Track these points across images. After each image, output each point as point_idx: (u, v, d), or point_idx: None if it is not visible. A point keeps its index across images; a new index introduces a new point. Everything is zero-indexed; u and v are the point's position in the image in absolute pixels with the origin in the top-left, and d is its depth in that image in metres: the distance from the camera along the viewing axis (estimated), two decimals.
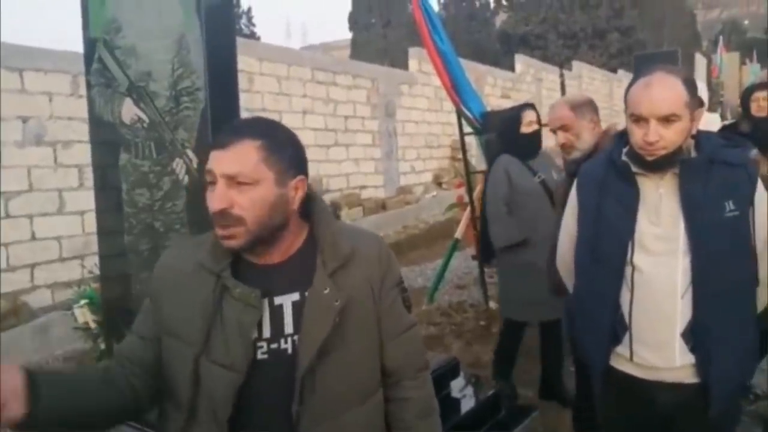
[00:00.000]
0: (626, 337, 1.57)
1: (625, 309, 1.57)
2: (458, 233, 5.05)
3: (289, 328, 1.15)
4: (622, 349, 1.59)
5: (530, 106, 3.39)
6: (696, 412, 1.55)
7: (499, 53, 21.61)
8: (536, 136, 3.29)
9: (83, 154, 5.50)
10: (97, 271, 3.64)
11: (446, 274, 5.29)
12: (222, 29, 1.84)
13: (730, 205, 1.50)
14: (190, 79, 1.81)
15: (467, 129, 4.87)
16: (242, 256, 1.19)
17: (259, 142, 1.11)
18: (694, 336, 1.51)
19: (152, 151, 1.93)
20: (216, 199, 1.09)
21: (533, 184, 3.18)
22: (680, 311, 1.50)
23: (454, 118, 11.83)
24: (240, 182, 1.09)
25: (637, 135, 1.51)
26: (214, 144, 1.13)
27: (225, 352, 1.12)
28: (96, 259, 2.22)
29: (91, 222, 5.58)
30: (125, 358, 1.20)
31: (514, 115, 3.32)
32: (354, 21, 21.90)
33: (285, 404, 1.13)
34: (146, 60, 1.91)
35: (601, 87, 18.28)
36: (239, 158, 1.09)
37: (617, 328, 1.58)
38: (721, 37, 15.49)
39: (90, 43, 2.05)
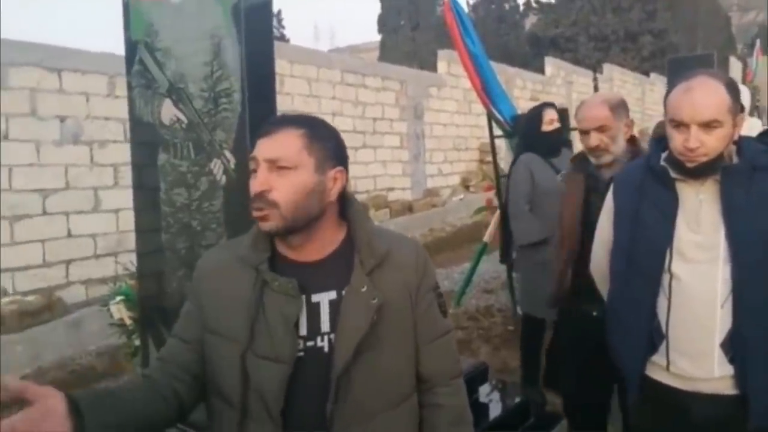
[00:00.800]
0: (663, 346, 1.54)
1: (662, 317, 1.53)
2: (487, 237, 5.03)
3: (325, 326, 1.17)
4: (658, 357, 1.56)
5: (550, 105, 3.38)
6: (734, 424, 1.50)
7: (528, 56, 21.42)
8: (558, 135, 3.28)
9: (119, 153, 5.63)
10: (132, 268, 3.71)
11: (474, 278, 5.26)
12: (260, 32, 1.86)
13: None
14: (229, 81, 1.83)
15: (497, 132, 4.84)
16: (281, 252, 1.21)
17: (302, 131, 1.16)
18: (733, 347, 1.47)
19: (190, 152, 1.96)
20: (256, 182, 1.13)
21: (555, 182, 3.16)
22: (719, 321, 1.46)
23: (482, 120, 11.75)
24: (281, 167, 1.13)
25: (677, 141, 1.47)
26: (259, 134, 1.17)
27: (270, 345, 1.13)
28: (131, 257, 2.28)
29: (125, 220, 5.71)
30: (168, 362, 1.22)
31: (534, 114, 3.32)
32: (383, 23, 21.94)
33: (320, 403, 1.13)
34: (185, 62, 1.94)
35: (633, 90, 17.99)
36: (282, 144, 1.14)
37: (654, 337, 1.55)
38: (758, 41, 15.09)
39: (131, 46, 2.09)
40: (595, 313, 1.98)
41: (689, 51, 21.18)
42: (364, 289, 1.16)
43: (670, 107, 1.49)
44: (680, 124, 1.46)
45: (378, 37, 22.83)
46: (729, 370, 1.48)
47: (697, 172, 1.48)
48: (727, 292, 1.46)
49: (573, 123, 3.06)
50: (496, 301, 5.21)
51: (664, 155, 1.56)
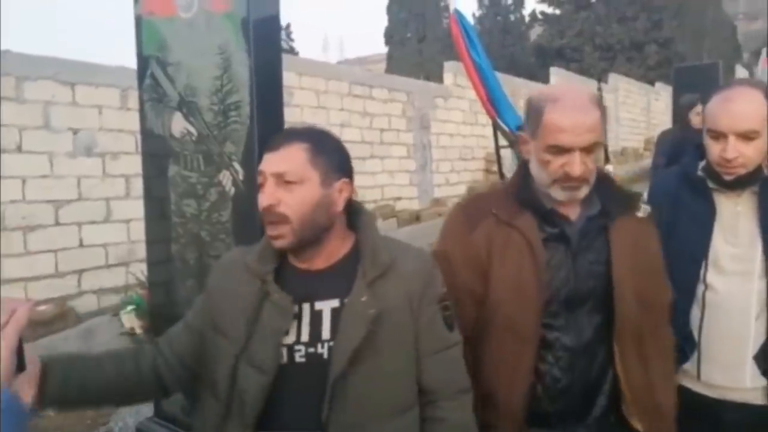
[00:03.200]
0: (695, 356, 1.54)
1: (694, 327, 1.54)
2: None
3: (326, 333, 1.19)
4: (689, 366, 1.56)
5: None
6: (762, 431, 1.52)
7: (534, 66, 21.49)
8: None
9: (130, 165, 5.71)
10: (143, 278, 3.78)
11: None
12: (268, 46, 1.93)
13: None
14: (238, 94, 1.89)
15: (503, 142, 4.89)
16: (288, 261, 1.25)
17: (307, 145, 1.20)
18: (766, 359, 1.47)
19: (200, 164, 2.02)
20: (264, 197, 1.17)
21: None
22: (753, 333, 1.47)
23: (488, 131, 11.76)
24: (287, 181, 1.16)
25: (714, 151, 1.46)
26: (266, 148, 1.22)
27: (258, 354, 1.18)
28: (141, 266, 2.33)
29: (136, 230, 5.78)
30: (164, 342, 1.30)
31: None
32: (390, 36, 22.09)
33: (317, 409, 1.16)
34: (196, 76, 2.01)
35: (639, 100, 17.97)
36: (287, 158, 1.18)
37: (685, 346, 1.55)
38: (764, 50, 15.06)
39: (143, 60, 2.16)
40: None
41: (695, 60, 21.15)
42: (363, 299, 1.18)
43: (708, 117, 1.48)
44: (719, 135, 1.44)
45: (386, 49, 22.98)
46: (761, 382, 1.49)
47: (735, 185, 1.47)
48: (762, 305, 1.46)
49: None
50: None
51: (702, 164, 1.55)
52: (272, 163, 1.18)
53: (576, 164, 1.30)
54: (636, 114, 17.51)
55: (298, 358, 1.19)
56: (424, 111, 10.03)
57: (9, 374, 0.81)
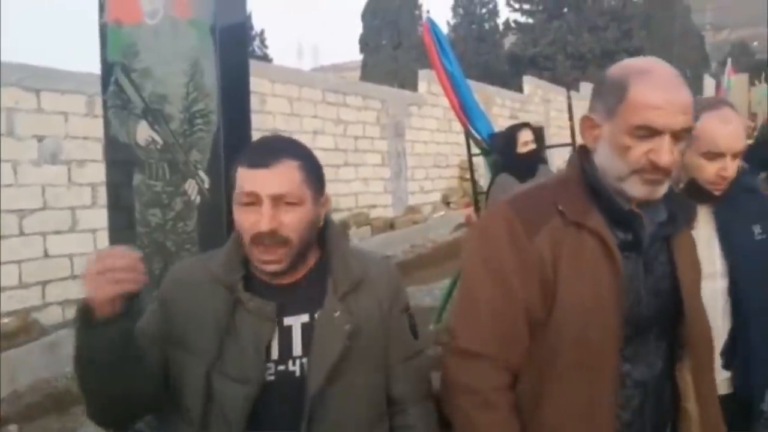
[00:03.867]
0: None
1: None
2: None
3: (297, 350, 1.15)
4: None
5: (526, 125, 3.45)
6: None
7: (508, 74, 21.77)
8: (533, 156, 3.35)
9: (97, 173, 5.59)
10: None
11: (454, 294, 5.29)
12: (235, 53, 1.90)
13: (757, 229, 1.57)
14: (204, 102, 1.85)
15: (475, 150, 4.91)
16: (254, 275, 1.19)
17: (299, 162, 1.13)
18: (730, 353, 1.56)
19: (165, 172, 1.97)
20: (265, 220, 1.09)
21: None
22: (721, 332, 1.54)
23: (462, 138, 11.84)
24: (287, 202, 1.10)
25: (710, 170, 1.51)
26: (250, 163, 1.12)
27: (239, 365, 1.12)
28: None
29: (103, 240, 5.65)
30: None
31: (509, 135, 3.39)
32: (365, 43, 22.17)
33: (292, 427, 1.11)
34: (162, 83, 1.97)
35: None
36: (285, 178, 1.11)
37: None
38: (729, 59, 15.54)
39: (107, 66, 2.11)
40: None
41: None
42: (337, 314, 1.14)
43: (705, 139, 1.49)
44: (716, 155, 1.50)
45: (360, 57, 23.05)
46: (725, 374, 1.57)
47: (719, 197, 1.55)
48: (726, 303, 1.57)
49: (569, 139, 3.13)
50: None
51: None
52: (268, 184, 1.09)
53: (665, 151, 1.07)
54: None
55: (268, 376, 1.13)
56: (398, 119, 10.06)
57: None
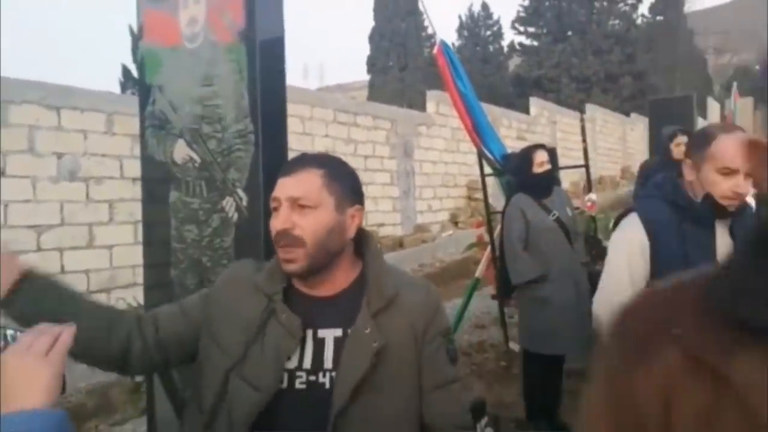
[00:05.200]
0: None
1: None
2: (478, 272, 5.10)
3: (328, 363, 1.17)
4: None
5: (541, 146, 3.51)
6: None
7: (512, 96, 21.95)
8: (548, 176, 3.40)
9: (114, 190, 5.68)
10: (134, 303, 3.73)
11: (465, 314, 5.31)
12: (273, 75, 1.96)
13: None
14: (243, 122, 1.91)
15: (488, 170, 4.97)
16: (295, 287, 1.24)
17: (322, 170, 1.21)
18: None
19: (203, 190, 2.03)
20: (279, 220, 1.17)
21: (548, 221, 3.28)
22: None
23: (470, 158, 11.89)
24: (303, 205, 1.17)
25: (725, 187, 1.61)
26: (280, 174, 1.22)
27: (256, 372, 1.15)
28: (123, 293, 2.33)
29: (119, 256, 5.72)
30: (151, 322, 1.26)
31: (525, 155, 3.45)
32: (372, 64, 22.40)
33: None
34: (200, 104, 2.03)
35: (615, 130, 18.43)
36: (303, 183, 1.18)
37: None
38: (735, 84, 15.66)
39: (145, 87, 2.18)
40: None
41: (668, 92, 21.81)
42: (367, 331, 1.16)
43: (720, 156, 1.61)
44: (732, 172, 1.59)
45: (366, 76, 23.27)
46: None
47: (735, 213, 1.63)
48: None
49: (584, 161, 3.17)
50: (488, 337, 5.25)
51: (701, 198, 1.68)
52: (287, 187, 1.18)
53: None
54: (612, 143, 17.96)
55: (299, 384, 1.16)
56: (407, 138, 10.16)
57: (56, 397, 0.82)
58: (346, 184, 1.24)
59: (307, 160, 1.24)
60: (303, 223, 1.17)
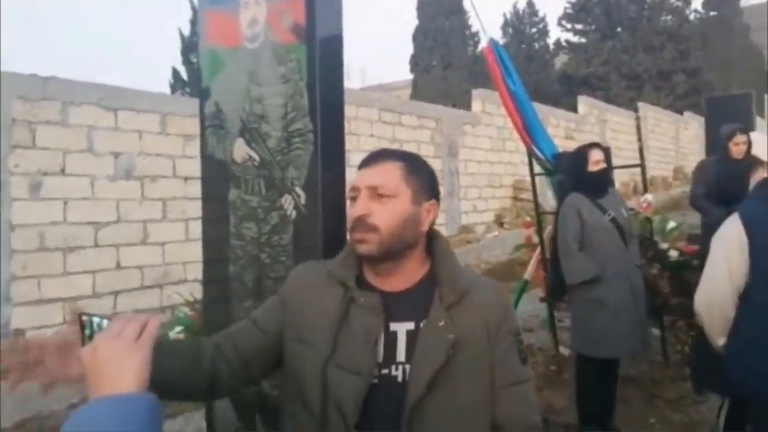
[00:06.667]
0: None
1: None
2: (527, 274, 5.02)
3: (401, 356, 1.18)
4: None
5: (596, 145, 3.43)
6: None
7: (559, 94, 21.55)
8: (604, 175, 3.32)
9: (167, 188, 5.84)
10: (191, 298, 3.82)
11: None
12: (332, 75, 1.98)
13: None
14: (302, 122, 1.93)
15: (538, 169, 4.88)
16: (367, 280, 1.26)
17: (402, 163, 1.25)
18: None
19: (261, 188, 2.06)
20: (357, 208, 1.20)
21: (604, 221, 3.20)
22: None
23: (516, 158, 11.77)
24: (381, 194, 1.20)
25: None
26: (360, 166, 1.26)
27: (351, 357, 1.17)
28: (176, 288, 2.38)
29: (171, 253, 5.88)
30: (228, 341, 1.27)
31: (580, 154, 3.37)
32: (415, 63, 22.36)
33: (393, 430, 1.14)
34: (260, 104, 2.06)
35: (668, 129, 17.87)
36: (383, 173, 1.22)
37: None
38: None
39: (206, 87, 2.23)
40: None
41: (724, 89, 21.02)
42: (441, 324, 1.17)
43: None
44: None
45: (407, 75, 23.25)
46: None
47: None
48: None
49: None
50: (536, 340, 5.16)
51: None
52: (367, 177, 1.23)
53: None
54: (665, 143, 17.42)
55: (374, 368, 1.17)
56: (452, 138, 10.09)
57: (145, 382, 0.84)
58: (423, 178, 1.27)
59: (388, 153, 1.28)
60: (380, 210, 1.20)
